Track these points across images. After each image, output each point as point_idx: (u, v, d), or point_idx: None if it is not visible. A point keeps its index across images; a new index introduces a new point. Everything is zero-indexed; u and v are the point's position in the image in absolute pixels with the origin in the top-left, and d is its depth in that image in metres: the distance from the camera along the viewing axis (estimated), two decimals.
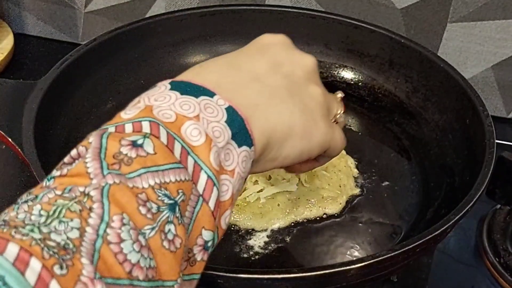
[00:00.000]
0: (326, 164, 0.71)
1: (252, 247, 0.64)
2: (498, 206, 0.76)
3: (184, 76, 0.47)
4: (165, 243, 0.37)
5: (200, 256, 0.42)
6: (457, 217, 0.57)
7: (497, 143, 0.65)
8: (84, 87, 0.75)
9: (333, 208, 0.68)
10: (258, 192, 0.67)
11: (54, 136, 0.69)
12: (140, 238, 0.35)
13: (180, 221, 0.38)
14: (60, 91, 0.71)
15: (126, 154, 0.38)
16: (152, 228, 0.36)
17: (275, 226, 0.66)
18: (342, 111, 0.57)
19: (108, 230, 0.34)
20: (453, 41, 0.90)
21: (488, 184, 0.61)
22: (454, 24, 0.88)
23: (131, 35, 0.80)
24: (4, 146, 0.65)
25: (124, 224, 0.35)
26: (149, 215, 0.36)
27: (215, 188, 0.41)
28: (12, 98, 0.67)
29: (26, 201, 0.35)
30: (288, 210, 0.67)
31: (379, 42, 0.82)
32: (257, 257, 0.63)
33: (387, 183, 0.72)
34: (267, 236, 0.65)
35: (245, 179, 0.46)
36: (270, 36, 0.53)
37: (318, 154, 0.53)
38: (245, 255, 0.63)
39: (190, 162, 0.40)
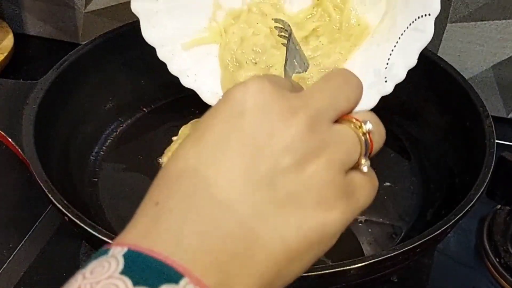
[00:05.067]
0: None
1: None
2: (499, 206, 0.76)
3: (148, 229, 0.33)
4: None
5: None
6: (457, 218, 0.57)
7: (497, 143, 0.65)
8: (84, 87, 0.75)
9: None
10: None
11: (54, 136, 0.69)
12: None
13: None
14: (60, 91, 0.71)
15: None
16: None
17: None
18: (369, 154, 0.38)
19: None
20: (453, 41, 0.90)
21: (488, 184, 0.61)
22: (454, 24, 0.88)
23: (131, 35, 0.80)
24: (4, 146, 0.65)
25: None
26: None
27: None
28: (12, 98, 0.67)
29: None
30: None
31: None
32: None
33: (387, 183, 0.72)
34: None
35: None
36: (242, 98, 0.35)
37: None
38: None
39: None
